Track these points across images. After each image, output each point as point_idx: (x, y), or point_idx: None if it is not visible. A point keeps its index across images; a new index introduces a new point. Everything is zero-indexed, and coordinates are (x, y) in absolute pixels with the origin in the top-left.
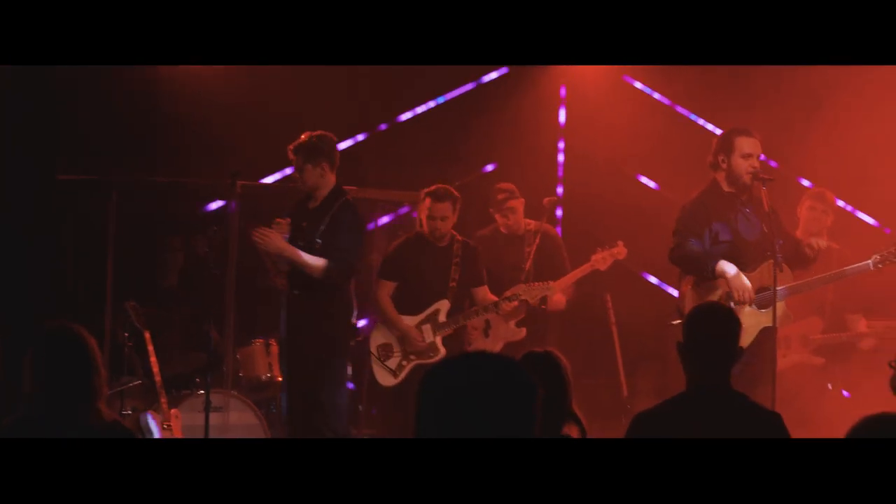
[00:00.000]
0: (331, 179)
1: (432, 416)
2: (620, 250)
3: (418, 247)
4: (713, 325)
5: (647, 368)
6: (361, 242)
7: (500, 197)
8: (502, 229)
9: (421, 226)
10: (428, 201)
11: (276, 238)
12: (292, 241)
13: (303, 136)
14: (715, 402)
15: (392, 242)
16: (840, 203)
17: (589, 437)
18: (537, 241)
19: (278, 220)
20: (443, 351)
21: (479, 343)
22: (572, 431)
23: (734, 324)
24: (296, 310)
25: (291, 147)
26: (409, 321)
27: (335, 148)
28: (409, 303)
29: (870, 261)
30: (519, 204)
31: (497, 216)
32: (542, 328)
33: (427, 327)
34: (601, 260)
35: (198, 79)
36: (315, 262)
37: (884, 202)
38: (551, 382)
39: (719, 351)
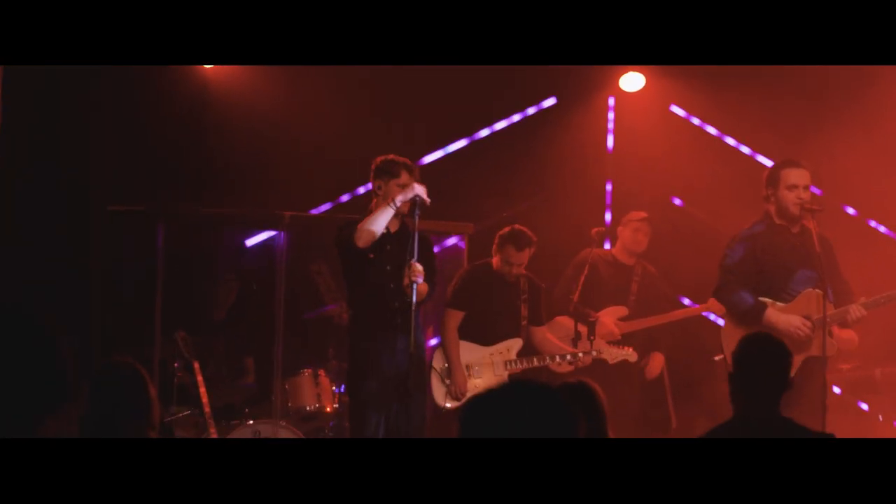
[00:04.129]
0: None
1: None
2: None
3: (487, 278)
4: (764, 355)
5: (696, 398)
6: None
7: (637, 216)
8: (619, 250)
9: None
10: (509, 248)
11: None
12: (381, 262)
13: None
14: (763, 429)
15: (457, 272)
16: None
17: None
18: (639, 272)
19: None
20: None
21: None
22: None
23: (785, 355)
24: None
25: (408, 165)
26: (477, 351)
27: None
28: (480, 333)
29: (861, 303)
30: (649, 230)
31: (628, 230)
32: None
33: (499, 362)
34: (716, 304)
35: (242, 108)
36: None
37: None
38: (588, 413)
39: (769, 381)
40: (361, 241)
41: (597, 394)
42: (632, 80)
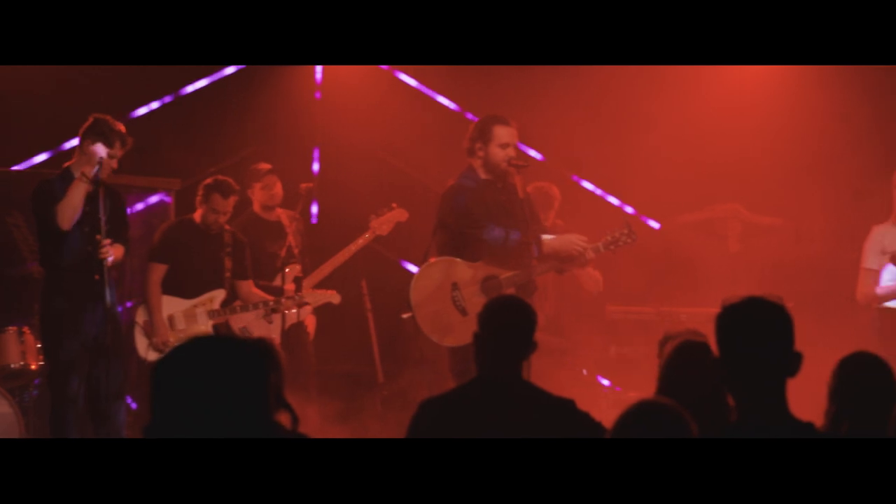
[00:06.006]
0: None
1: (167, 398)
2: (401, 212)
3: (189, 232)
4: (510, 317)
5: (403, 354)
6: None
7: (263, 168)
8: (258, 208)
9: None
10: (215, 196)
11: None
12: (77, 223)
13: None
14: (506, 391)
15: (161, 226)
16: (591, 188)
17: (342, 419)
18: (294, 226)
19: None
20: None
21: (261, 330)
22: (284, 419)
23: (531, 317)
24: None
25: (123, 137)
26: (179, 304)
27: None
28: (183, 286)
29: (599, 244)
30: (278, 180)
31: (258, 189)
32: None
33: (202, 313)
34: (381, 225)
35: None
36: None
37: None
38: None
39: (514, 344)
40: (66, 223)
41: (275, 350)
42: None
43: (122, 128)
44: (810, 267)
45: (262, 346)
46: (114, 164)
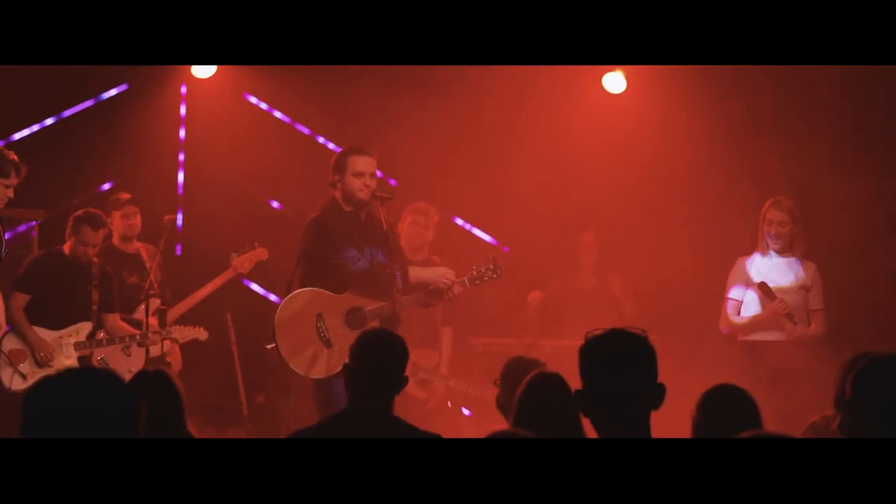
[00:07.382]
0: None
1: (35, 430)
2: (262, 252)
3: (56, 264)
4: (381, 350)
5: (269, 385)
6: None
7: (122, 198)
8: (116, 240)
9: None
10: (85, 228)
11: None
12: None
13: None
14: (375, 425)
15: (27, 258)
16: (459, 222)
17: None
18: (157, 260)
19: None
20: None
21: (120, 362)
22: None
23: (403, 353)
24: None
25: (17, 166)
26: (46, 335)
27: None
28: (48, 317)
29: (465, 278)
30: (138, 210)
31: (117, 218)
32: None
33: (69, 345)
34: (242, 263)
35: None
36: None
37: (503, 223)
38: (164, 401)
39: (385, 378)
40: None
41: (172, 381)
42: (204, 71)
43: (14, 156)
44: (675, 300)
45: (157, 377)
46: (10, 193)
